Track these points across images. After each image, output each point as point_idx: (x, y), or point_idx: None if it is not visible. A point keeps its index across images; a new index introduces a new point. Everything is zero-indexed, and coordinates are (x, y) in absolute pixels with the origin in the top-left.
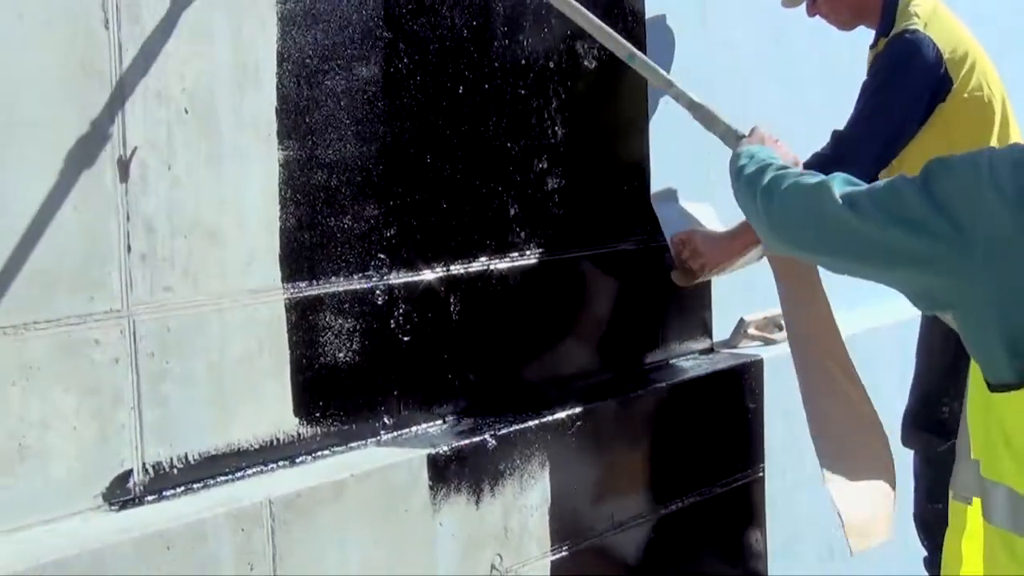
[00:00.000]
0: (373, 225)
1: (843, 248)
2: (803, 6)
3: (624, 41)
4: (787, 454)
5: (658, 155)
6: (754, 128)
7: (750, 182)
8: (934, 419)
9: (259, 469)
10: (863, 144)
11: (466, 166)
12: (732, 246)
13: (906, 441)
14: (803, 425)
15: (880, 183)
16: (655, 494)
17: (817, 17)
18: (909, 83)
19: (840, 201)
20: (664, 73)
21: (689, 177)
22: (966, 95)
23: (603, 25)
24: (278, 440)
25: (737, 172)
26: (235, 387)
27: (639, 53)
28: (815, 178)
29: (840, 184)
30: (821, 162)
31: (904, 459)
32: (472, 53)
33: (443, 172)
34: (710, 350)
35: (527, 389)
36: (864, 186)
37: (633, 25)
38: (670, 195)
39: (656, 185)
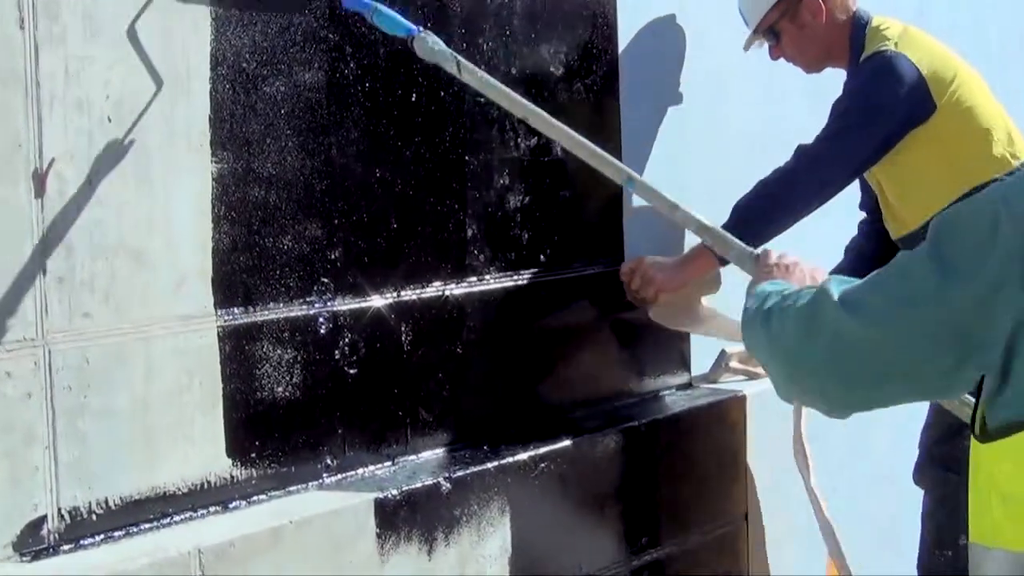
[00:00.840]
0: (316, 246)
1: (854, 358)
2: (765, 48)
3: (620, 164)
4: (772, 499)
5: (632, 165)
6: (766, 251)
7: (752, 319)
8: (953, 455)
9: (188, 515)
10: (826, 165)
11: (419, 181)
12: (685, 270)
13: (920, 480)
14: (789, 469)
15: (883, 272)
16: (628, 543)
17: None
18: (883, 103)
19: (838, 303)
20: (667, 196)
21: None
22: (955, 110)
23: (595, 148)
24: (209, 483)
25: (745, 315)
26: (162, 424)
27: (637, 176)
28: (811, 290)
29: (836, 285)
30: (781, 177)
31: (911, 504)
32: None
33: (394, 188)
34: (688, 385)
35: (485, 427)
36: (860, 282)
37: (605, 32)
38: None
39: (630, 202)
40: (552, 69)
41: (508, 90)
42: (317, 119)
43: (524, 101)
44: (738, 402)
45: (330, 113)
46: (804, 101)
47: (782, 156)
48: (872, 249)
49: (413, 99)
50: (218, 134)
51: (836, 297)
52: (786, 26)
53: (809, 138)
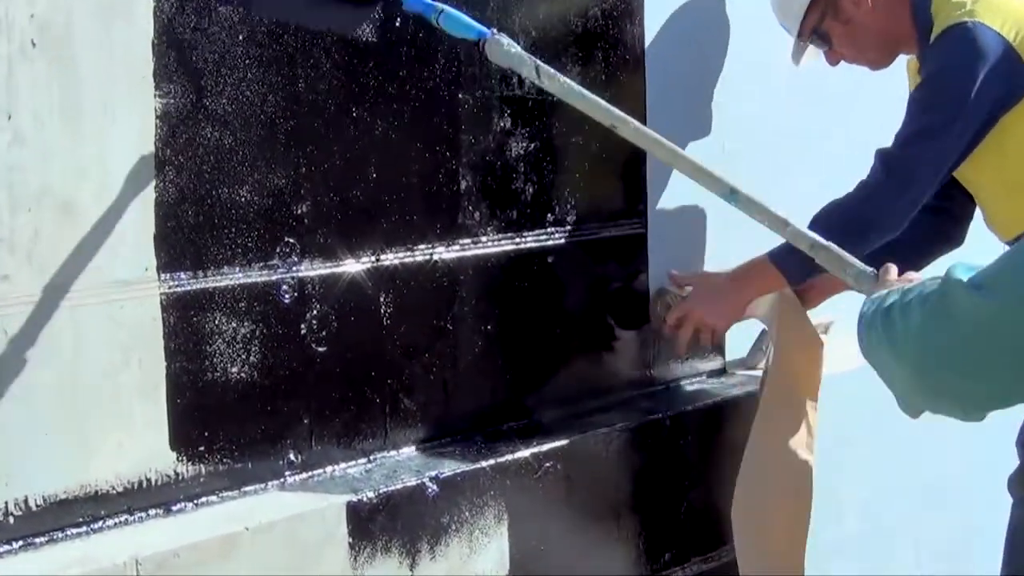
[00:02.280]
0: (280, 198)
1: (989, 346)
2: (822, 58)
3: (722, 176)
4: (824, 507)
5: (657, 102)
6: (886, 267)
7: (871, 321)
8: None
9: (124, 519)
10: (918, 166)
11: (404, 122)
12: (744, 295)
13: (1015, 488)
14: (842, 471)
15: (1016, 250)
16: (649, 558)
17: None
18: (967, 86)
19: (969, 286)
20: (776, 212)
21: (696, 129)
22: None
23: (695, 160)
24: (150, 481)
25: (862, 321)
26: (93, 410)
27: (741, 188)
28: (935, 280)
29: (962, 271)
30: (869, 192)
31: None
32: None
33: (373, 130)
34: (722, 371)
35: (480, 419)
36: (988, 264)
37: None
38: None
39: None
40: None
41: (595, 97)
42: (283, 46)
43: (613, 109)
44: None
45: (298, 39)
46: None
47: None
48: (908, 236)
49: (397, 23)
50: (164, 63)
51: (965, 280)
52: (831, 25)
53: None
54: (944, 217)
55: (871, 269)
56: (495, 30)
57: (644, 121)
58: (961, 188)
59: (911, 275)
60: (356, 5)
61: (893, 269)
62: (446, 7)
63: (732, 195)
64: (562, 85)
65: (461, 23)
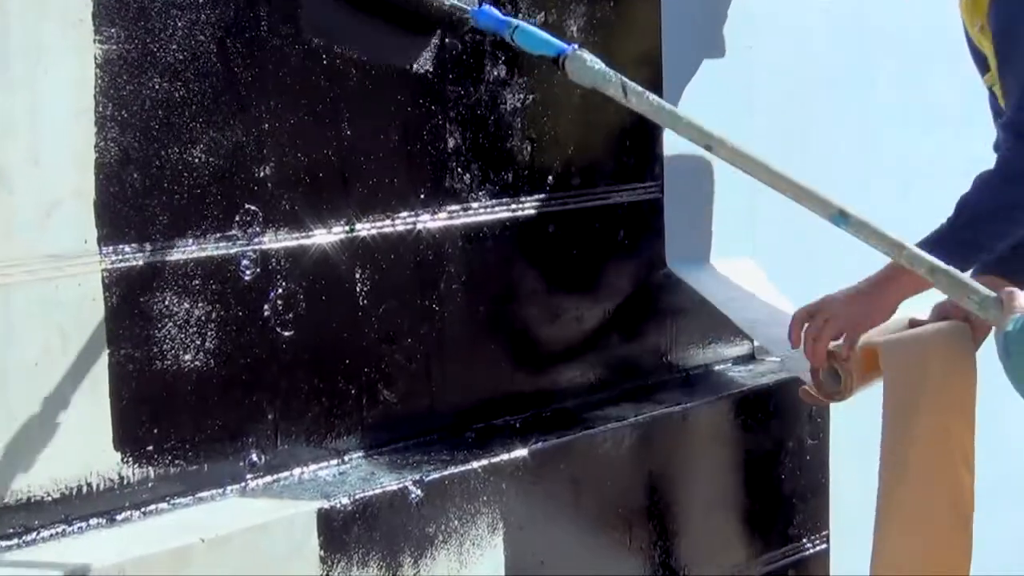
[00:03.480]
0: (239, 159)
1: None
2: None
3: (829, 198)
4: (862, 514)
5: (674, 45)
6: (1010, 292)
7: (1017, 339)
8: None
9: (61, 529)
10: None
11: (381, 70)
12: (886, 297)
13: None
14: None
15: None
16: (666, 571)
17: None
18: None
19: None
20: (891, 234)
21: (720, 83)
22: None
23: (802, 183)
24: (91, 486)
25: (1007, 341)
26: (25, 405)
27: (851, 210)
28: None
29: None
30: (1004, 167)
31: None
32: None
33: (347, 79)
34: (750, 357)
35: (470, 413)
36: None
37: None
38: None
39: (673, 88)
40: None
41: (688, 117)
42: None
43: (708, 129)
44: None
45: None
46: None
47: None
48: None
49: None
50: (104, 2)
51: None
52: None
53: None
54: None
55: (995, 294)
56: (576, 45)
57: (660, 70)
58: None
59: (1016, 293)
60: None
61: (1019, 294)
62: (521, 23)
63: (842, 218)
64: (652, 104)
65: (538, 39)
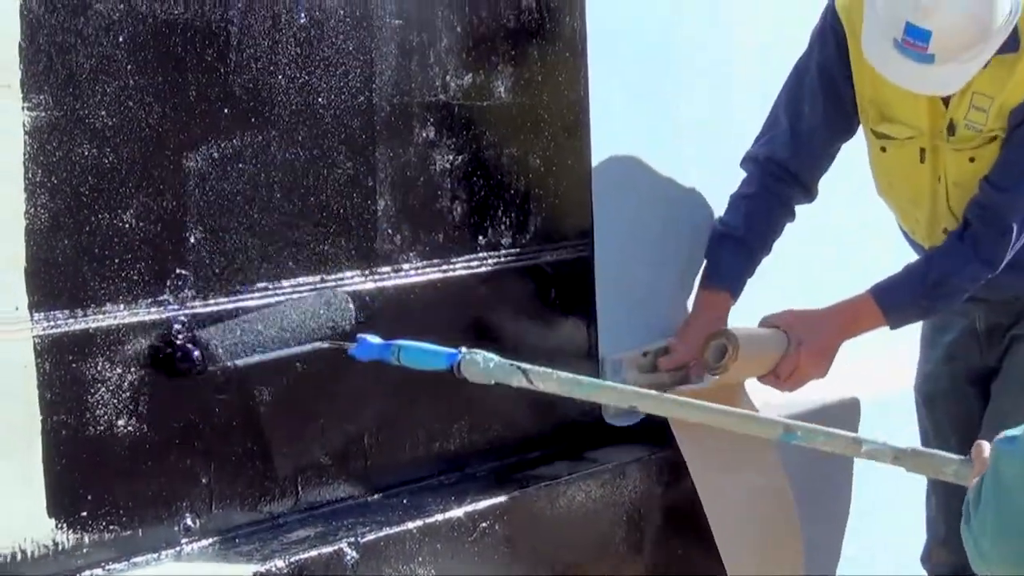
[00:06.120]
0: (169, 223)
1: None
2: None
3: (773, 418)
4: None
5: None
6: (977, 445)
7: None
8: None
9: None
10: None
11: (313, 133)
12: (843, 337)
13: None
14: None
15: None
16: None
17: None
18: None
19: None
20: (845, 433)
21: (649, 143)
22: None
23: (739, 411)
24: (24, 553)
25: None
26: None
27: (796, 422)
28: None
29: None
30: (976, 240)
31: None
32: None
33: (278, 142)
34: None
35: (406, 472)
36: None
37: None
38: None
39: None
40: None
41: (605, 383)
42: (173, 42)
43: (624, 387)
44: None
45: (191, 33)
46: None
47: None
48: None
49: (306, 19)
50: (34, 67)
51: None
52: None
53: None
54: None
55: (965, 457)
56: (464, 348)
57: (588, 128)
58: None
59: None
60: None
61: (984, 447)
62: (404, 343)
63: (789, 434)
64: (561, 381)
65: (425, 354)
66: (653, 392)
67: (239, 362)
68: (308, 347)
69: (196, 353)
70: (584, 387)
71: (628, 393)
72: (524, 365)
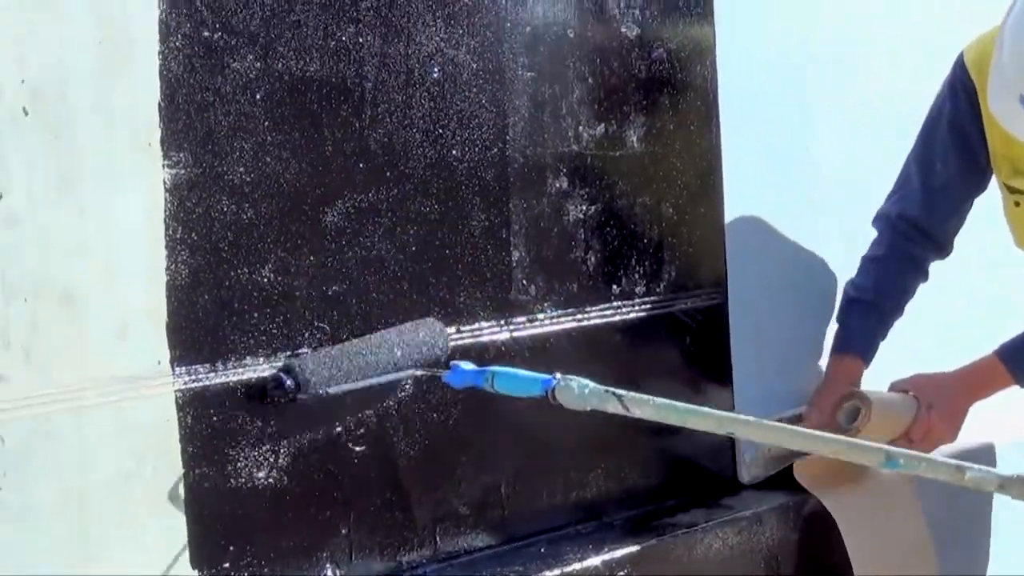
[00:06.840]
0: (307, 277)
1: None
2: None
3: (874, 445)
4: None
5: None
6: None
7: None
8: None
9: None
10: None
11: (445, 183)
12: (972, 399)
13: None
14: None
15: None
16: None
17: None
18: None
19: None
20: (947, 460)
21: (780, 190)
22: None
23: (844, 438)
24: None
25: None
26: (101, 527)
27: (898, 449)
28: None
29: None
30: None
31: None
32: None
33: (415, 198)
34: None
35: (547, 517)
36: None
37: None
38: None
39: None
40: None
41: (701, 408)
42: (307, 101)
43: (722, 413)
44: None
45: (327, 91)
46: None
47: None
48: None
49: (439, 73)
50: (172, 126)
51: None
52: None
53: None
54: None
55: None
56: (559, 374)
57: (720, 175)
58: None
59: None
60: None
61: None
62: (498, 369)
63: (892, 461)
64: (657, 407)
65: (520, 380)
66: (751, 418)
67: (331, 389)
68: (403, 374)
69: (288, 382)
70: (680, 412)
71: (725, 419)
72: (620, 391)
